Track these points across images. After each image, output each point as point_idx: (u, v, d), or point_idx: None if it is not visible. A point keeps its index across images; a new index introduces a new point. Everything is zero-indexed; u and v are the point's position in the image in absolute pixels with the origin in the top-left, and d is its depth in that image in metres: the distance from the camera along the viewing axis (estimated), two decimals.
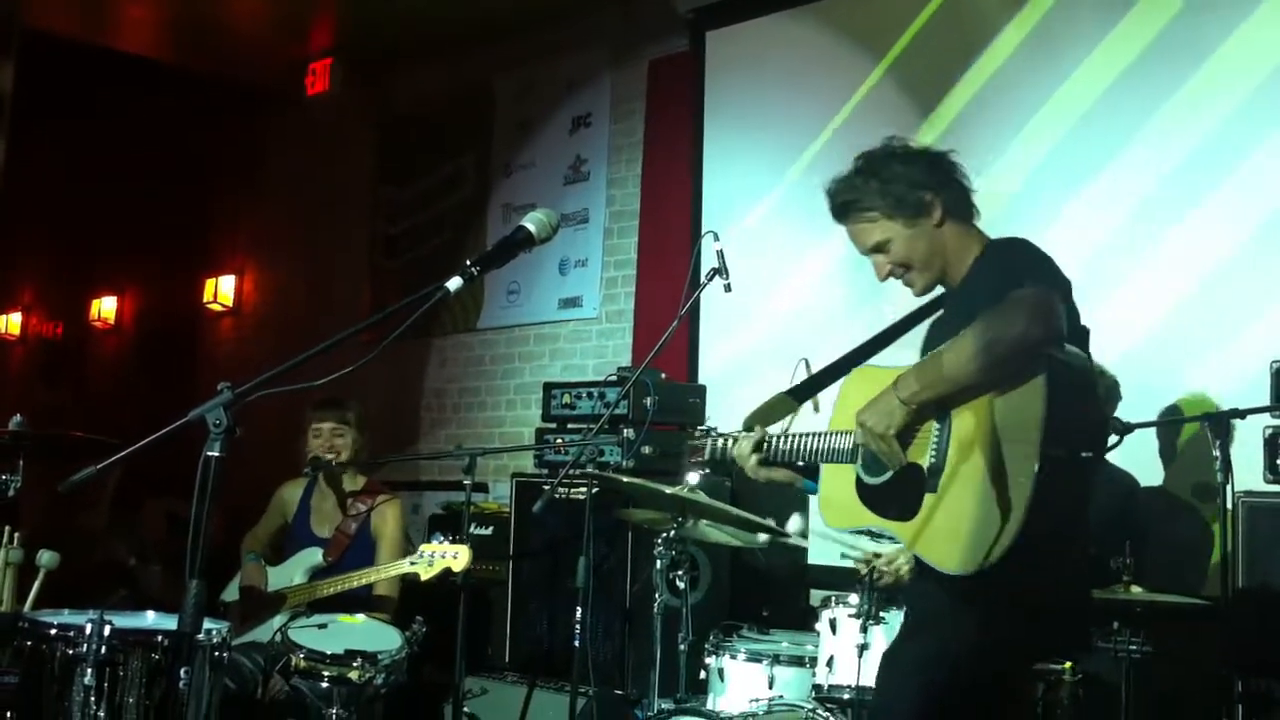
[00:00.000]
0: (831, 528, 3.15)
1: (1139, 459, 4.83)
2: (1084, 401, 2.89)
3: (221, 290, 10.22)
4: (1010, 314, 2.74)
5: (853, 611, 4.17)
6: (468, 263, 2.81)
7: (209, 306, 10.29)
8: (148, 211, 10.41)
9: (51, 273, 11.85)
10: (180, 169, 10.30)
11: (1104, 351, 4.92)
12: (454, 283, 2.78)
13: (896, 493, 2.95)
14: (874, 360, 3.32)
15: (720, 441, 3.49)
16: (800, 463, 3.26)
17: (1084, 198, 5.47)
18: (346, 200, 9.40)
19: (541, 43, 8.07)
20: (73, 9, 8.56)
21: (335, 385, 2.83)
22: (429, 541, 5.00)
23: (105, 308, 11.40)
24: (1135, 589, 3.92)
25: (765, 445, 3.32)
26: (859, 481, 3.07)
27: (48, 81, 8.74)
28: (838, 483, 3.14)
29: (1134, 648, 3.91)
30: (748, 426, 3.36)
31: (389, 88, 9.21)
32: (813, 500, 3.28)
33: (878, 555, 4.31)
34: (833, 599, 4.27)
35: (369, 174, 9.29)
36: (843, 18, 6.45)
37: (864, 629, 4.11)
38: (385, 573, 5.05)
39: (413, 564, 4.92)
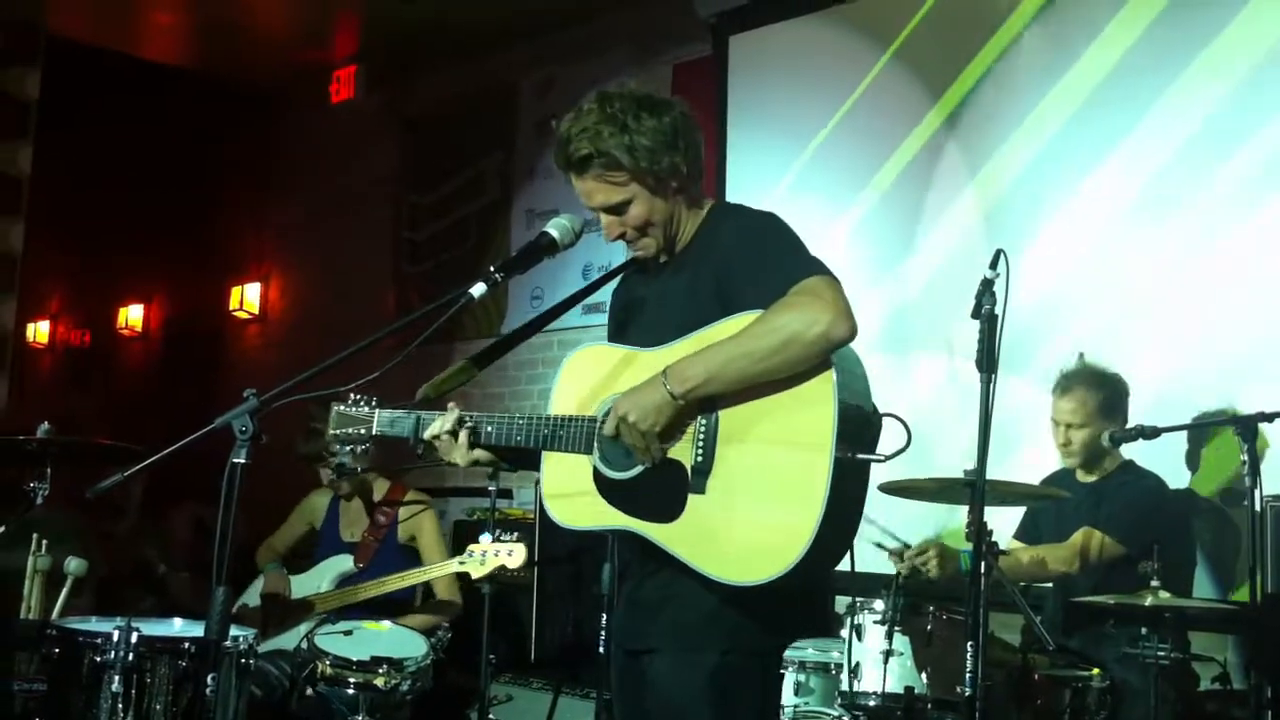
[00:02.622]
0: (566, 525, 2.82)
1: (1165, 464, 4.80)
2: (866, 397, 2.68)
3: (247, 297, 10.24)
4: (808, 309, 2.54)
5: (878, 617, 4.16)
6: (491, 268, 2.82)
7: (235, 314, 10.31)
8: (174, 219, 10.45)
9: (79, 281, 11.90)
10: (206, 177, 10.34)
11: (1129, 359, 4.94)
12: (478, 288, 2.79)
13: (651, 491, 2.69)
14: (598, 341, 2.99)
15: (396, 417, 3.00)
16: (513, 446, 2.89)
17: (1085, 185, 5.43)
18: (371, 206, 9.42)
19: (564, 47, 8.07)
20: (97, 16, 8.60)
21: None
22: (478, 542, 4.94)
23: (132, 315, 11.44)
24: (1163, 594, 3.89)
25: (470, 429, 2.91)
26: (598, 474, 2.77)
27: (73, 89, 8.78)
28: (565, 472, 2.82)
29: (1162, 654, 3.88)
30: (424, 396, 3.00)
31: (412, 93, 9.23)
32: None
33: (907, 546, 4.29)
34: (858, 604, 4.25)
35: (393, 180, 9.31)
36: (867, 21, 6.42)
37: (889, 635, 4.09)
38: (429, 574, 5.05)
39: (462, 563, 4.88)
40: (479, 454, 2.93)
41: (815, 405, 2.56)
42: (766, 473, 2.59)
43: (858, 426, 2.60)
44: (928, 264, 5.96)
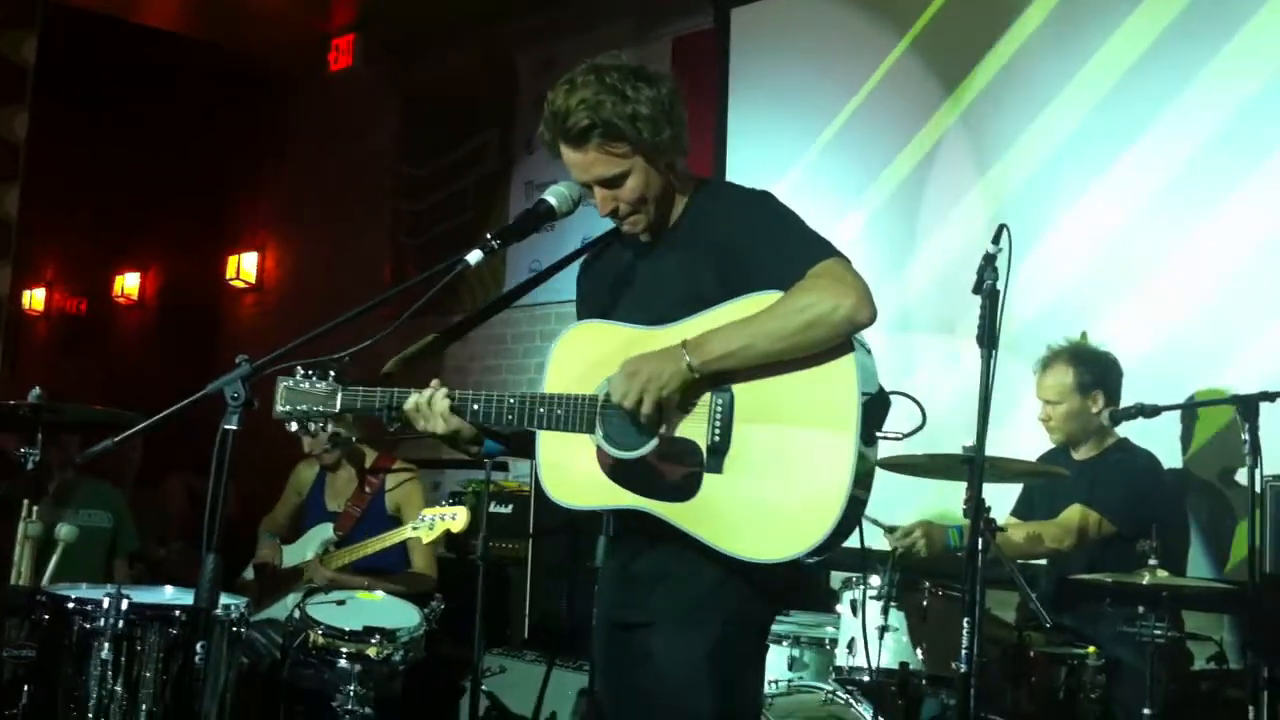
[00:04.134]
0: (567, 504, 2.75)
1: (1161, 444, 4.78)
2: (876, 377, 2.69)
3: (244, 267, 10.22)
4: (832, 291, 2.55)
5: (874, 593, 4.14)
6: (488, 235, 2.79)
7: (231, 283, 10.30)
8: (171, 188, 10.42)
9: (75, 249, 11.87)
10: (204, 145, 10.29)
11: (1129, 338, 4.91)
12: (474, 255, 2.76)
13: (661, 470, 2.66)
14: (592, 319, 2.94)
15: (364, 392, 2.82)
16: (500, 426, 2.79)
17: (1107, 179, 5.36)
18: (369, 177, 9.38)
19: (564, 19, 8.02)
20: None
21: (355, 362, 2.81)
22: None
23: (129, 284, 11.43)
24: (1161, 573, 3.87)
25: (455, 405, 2.79)
26: (601, 454, 2.71)
27: (71, 55, 8.72)
28: (564, 452, 2.76)
29: (1158, 632, 3.86)
30: (394, 368, 2.84)
31: (411, 64, 9.18)
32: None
33: (893, 530, 4.28)
34: (854, 580, 4.24)
35: (391, 150, 9.27)
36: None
37: (885, 611, 4.08)
38: (386, 540, 5.09)
39: (414, 529, 5.04)
40: (459, 422, 2.81)
41: (836, 385, 2.58)
42: (789, 451, 2.59)
43: (874, 406, 2.63)
44: (934, 258, 5.92)
